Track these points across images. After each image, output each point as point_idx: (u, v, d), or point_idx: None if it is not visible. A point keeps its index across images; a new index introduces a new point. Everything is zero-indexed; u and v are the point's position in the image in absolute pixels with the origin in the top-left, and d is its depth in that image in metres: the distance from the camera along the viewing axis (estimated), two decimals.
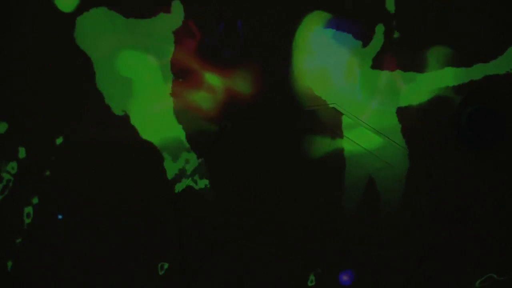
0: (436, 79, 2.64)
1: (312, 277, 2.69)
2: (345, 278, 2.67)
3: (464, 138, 2.47)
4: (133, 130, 2.58)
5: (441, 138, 2.69)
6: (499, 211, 2.61)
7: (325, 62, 2.74)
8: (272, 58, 2.66)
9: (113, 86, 2.57)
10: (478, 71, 2.59)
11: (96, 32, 2.56)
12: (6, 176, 2.59)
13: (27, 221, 2.62)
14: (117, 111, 2.56)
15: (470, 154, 2.58)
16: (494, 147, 2.52)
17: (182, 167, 2.64)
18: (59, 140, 2.60)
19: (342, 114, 2.63)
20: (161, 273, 2.65)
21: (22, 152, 2.57)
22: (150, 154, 2.64)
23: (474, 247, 2.60)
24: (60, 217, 2.59)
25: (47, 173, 2.60)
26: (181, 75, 2.64)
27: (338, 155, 2.70)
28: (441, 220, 2.67)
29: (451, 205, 2.65)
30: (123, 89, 2.58)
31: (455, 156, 2.62)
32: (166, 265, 2.65)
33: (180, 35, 2.64)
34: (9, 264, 2.60)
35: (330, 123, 2.67)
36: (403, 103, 2.65)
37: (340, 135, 2.65)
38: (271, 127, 2.68)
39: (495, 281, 2.57)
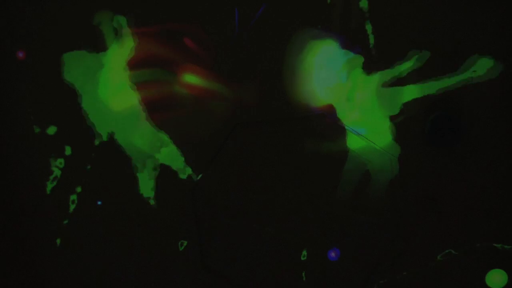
0: (408, 91, 2.69)
1: (304, 252, 2.82)
2: (332, 254, 2.83)
3: (430, 140, 2.64)
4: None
5: (414, 141, 2.74)
6: (459, 198, 2.72)
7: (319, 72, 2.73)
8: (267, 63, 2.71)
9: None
10: (439, 83, 2.66)
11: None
12: (55, 170, 2.76)
13: (72, 206, 2.79)
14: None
15: (437, 152, 2.70)
16: (455, 145, 2.66)
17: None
18: (97, 142, 2.76)
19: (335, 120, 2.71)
20: (181, 249, 2.85)
21: (68, 150, 2.75)
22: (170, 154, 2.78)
23: (436, 228, 2.74)
24: (99, 203, 2.79)
25: (88, 167, 2.77)
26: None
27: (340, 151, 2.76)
28: (412, 206, 2.76)
29: (420, 195, 2.75)
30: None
31: (425, 154, 2.72)
32: (185, 243, 2.84)
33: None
34: (58, 240, 2.80)
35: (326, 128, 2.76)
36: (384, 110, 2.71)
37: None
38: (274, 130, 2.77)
39: (452, 255, 2.74)
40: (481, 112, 2.65)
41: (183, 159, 2.76)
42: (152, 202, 2.79)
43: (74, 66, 2.69)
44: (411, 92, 2.67)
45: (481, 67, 2.62)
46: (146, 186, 2.77)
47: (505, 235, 2.72)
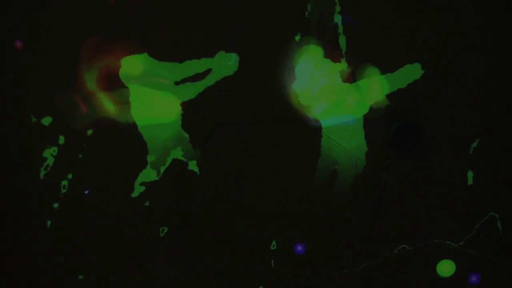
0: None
1: (274, 243, 2.92)
2: (299, 248, 2.93)
3: (393, 145, 2.76)
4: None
5: (379, 144, 2.84)
6: (416, 198, 2.85)
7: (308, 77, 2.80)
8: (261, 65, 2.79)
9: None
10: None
11: None
12: (49, 157, 2.81)
13: (63, 191, 2.85)
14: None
15: (398, 157, 2.83)
16: (415, 151, 2.76)
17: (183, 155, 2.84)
18: (89, 132, 2.83)
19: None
20: (162, 235, 2.92)
21: (61, 139, 2.81)
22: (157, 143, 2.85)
23: (393, 225, 2.87)
24: (86, 192, 2.87)
25: (80, 155, 2.84)
26: None
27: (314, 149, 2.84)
28: (372, 205, 2.88)
29: (381, 194, 2.87)
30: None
31: (387, 157, 2.83)
32: (166, 229, 2.91)
33: None
34: (48, 222, 2.87)
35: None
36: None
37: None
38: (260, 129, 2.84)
39: (406, 250, 2.89)
40: (438, 119, 2.80)
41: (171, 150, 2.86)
42: (136, 192, 2.89)
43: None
44: (378, 95, 2.80)
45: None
46: (133, 175, 2.89)
47: (454, 234, 2.90)
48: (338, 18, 2.76)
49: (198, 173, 2.87)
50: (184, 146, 2.86)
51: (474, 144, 2.83)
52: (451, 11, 2.75)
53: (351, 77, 2.79)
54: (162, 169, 2.88)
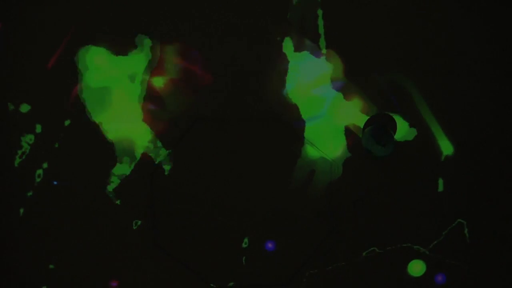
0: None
1: (246, 240, 2.96)
2: (270, 245, 2.97)
3: (367, 149, 2.68)
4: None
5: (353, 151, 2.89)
6: (386, 200, 2.90)
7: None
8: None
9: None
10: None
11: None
12: (25, 145, 2.83)
13: (37, 180, 2.87)
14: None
15: (370, 160, 2.88)
16: (387, 155, 2.68)
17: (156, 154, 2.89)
18: (67, 122, 2.86)
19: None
20: (135, 227, 2.94)
21: (38, 128, 2.83)
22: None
23: (364, 227, 2.92)
24: (55, 183, 2.88)
25: (56, 145, 2.85)
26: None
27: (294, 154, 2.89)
28: (345, 206, 2.92)
29: (353, 196, 2.91)
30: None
31: (362, 161, 2.89)
32: (139, 222, 2.93)
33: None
34: (21, 210, 2.88)
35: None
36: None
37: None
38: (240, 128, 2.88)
39: (376, 252, 2.93)
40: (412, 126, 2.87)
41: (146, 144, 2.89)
42: (111, 184, 2.92)
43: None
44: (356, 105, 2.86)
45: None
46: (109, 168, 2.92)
47: (422, 238, 2.95)
48: (320, 22, 2.81)
49: (166, 172, 2.90)
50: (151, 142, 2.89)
51: (447, 152, 2.89)
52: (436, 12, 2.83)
53: (332, 78, 2.85)
54: (133, 164, 2.92)
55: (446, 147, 2.89)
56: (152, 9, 2.83)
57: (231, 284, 3.00)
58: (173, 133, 2.88)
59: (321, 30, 2.81)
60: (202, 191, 2.93)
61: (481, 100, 2.87)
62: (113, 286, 3.00)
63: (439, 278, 2.95)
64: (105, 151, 2.89)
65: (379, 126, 2.63)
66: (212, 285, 3.00)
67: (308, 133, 2.89)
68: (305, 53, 2.82)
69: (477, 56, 2.83)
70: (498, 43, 2.83)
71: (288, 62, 2.83)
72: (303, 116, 2.88)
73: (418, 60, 2.86)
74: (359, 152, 2.90)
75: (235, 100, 2.88)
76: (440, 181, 2.91)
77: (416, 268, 2.96)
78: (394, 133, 2.78)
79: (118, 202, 2.92)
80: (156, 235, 2.95)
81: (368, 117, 2.85)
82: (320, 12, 2.81)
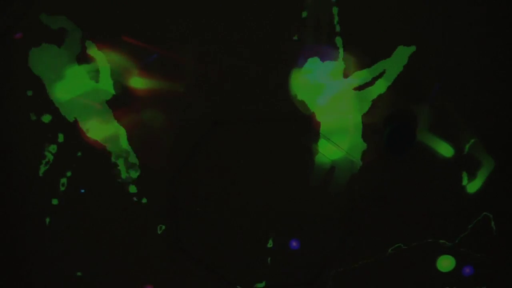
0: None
1: (271, 241, 3.00)
2: (294, 244, 3.01)
3: (388, 148, 2.78)
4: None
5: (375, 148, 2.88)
6: (408, 199, 2.92)
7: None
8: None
9: None
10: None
11: None
12: (48, 154, 2.87)
13: (62, 188, 2.92)
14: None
15: (393, 158, 2.88)
16: (407, 153, 2.80)
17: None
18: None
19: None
20: (159, 232, 2.99)
21: (61, 137, 2.86)
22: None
23: (387, 224, 2.94)
24: (82, 191, 2.93)
25: (79, 154, 2.89)
26: None
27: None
28: (366, 204, 2.94)
29: (374, 194, 2.94)
30: None
31: (382, 159, 2.89)
32: (163, 227, 2.98)
33: None
34: (47, 219, 2.94)
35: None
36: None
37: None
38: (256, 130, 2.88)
39: (402, 249, 2.96)
40: (433, 121, 2.85)
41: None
42: (134, 189, 2.95)
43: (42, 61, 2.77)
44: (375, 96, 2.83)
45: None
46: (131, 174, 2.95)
47: (447, 234, 2.96)
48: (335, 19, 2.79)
49: (188, 176, 2.91)
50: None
51: (469, 144, 2.88)
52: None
53: (349, 77, 2.83)
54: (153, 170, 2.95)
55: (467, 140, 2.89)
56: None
57: (257, 285, 3.03)
58: (191, 138, 2.90)
59: (337, 29, 2.80)
60: (225, 194, 2.95)
61: (504, 95, 2.85)
62: None
63: (467, 270, 2.96)
64: (125, 157, 2.93)
65: (399, 133, 2.67)
66: (238, 287, 3.02)
67: (325, 130, 2.88)
68: (321, 49, 2.81)
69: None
70: None
71: (302, 61, 2.83)
72: (319, 114, 2.87)
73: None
74: (377, 147, 2.89)
75: (250, 101, 2.88)
76: (464, 174, 2.90)
77: (445, 263, 2.98)
78: (415, 136, 2.77)
79: (144, 200, 2.96)
80: (182, 239, 2.98)
81: (388, 114, 2.85)
82: (335, 10, 2.79)
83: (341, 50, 2.80)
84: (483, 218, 2.92)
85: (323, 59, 2.82)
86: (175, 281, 3.04)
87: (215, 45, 2.79)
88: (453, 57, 2.79)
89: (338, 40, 2.81)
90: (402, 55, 2.78)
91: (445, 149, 2.90)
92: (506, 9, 2.72)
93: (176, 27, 2.79)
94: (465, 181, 2.89)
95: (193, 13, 2.78)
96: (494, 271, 2.99)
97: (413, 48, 2.76)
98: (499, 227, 2.94)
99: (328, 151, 2.90)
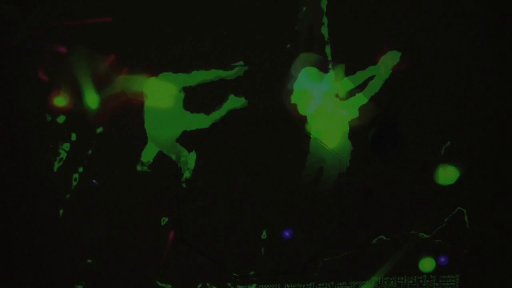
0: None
1: (264, 232, 3.03)
2: (287, 234, 3.03)
3: (373, 147, 2.85)
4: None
5: (361, 145, 2.91)
6: (391, 195, 2.97)
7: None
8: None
9: None
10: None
11: None
12: (62, 152, 2.95)
13: (74, 183, 2.99)
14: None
15: (377, 157, 2.92)
16: (392, 152, 2.87)
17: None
18: (99, 130, 2.93)
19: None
20: (162, 224, 3.03)
21: (74, 136, 2.93)
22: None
23: (372, 218, 3.01)
24: (94, 181, 3.00)
25: (90, 151, 2.96)
26: None
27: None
28: (353, 199, 2.98)
29: (361, 189, 2.98)
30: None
31: (368, 157, 2.93)
32: (166, 219, 3.02)
33: None
34: (61, 211, 3.02)
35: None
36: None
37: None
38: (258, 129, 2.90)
39: (384, 240, 3.03)
40: (413, 123, 2.93)
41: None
42: (140, 184, 3.02)
43: None
44: (361, 100, 2.88)
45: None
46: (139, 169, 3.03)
47: (426, 226, 3.07)
48: (325, 30, 2.87)
49: (189, 173, 2.96)
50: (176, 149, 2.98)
51: (446, 145, 2.99)
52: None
53: (338, 82, 2.86)
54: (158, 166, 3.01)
55: (445, 140, 2.96)
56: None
57: (251, 273, 3.12)
58: (194, 137, 2.97)
59: (327, 38, 2.86)
60: (223, 190, 3.00)
61: (477, 96, 2.92)
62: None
63: (442, 259, 3.08)
64: (133, 154, 3.00)
65: (382, 139, 2.76)
66: (234, 274, 3.11)
67: (315, 132, 2.91)
68: (312, 57, 2.83)
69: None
70: None
71: (296, 67, 2.86)
72: (310, 116, 2.90)
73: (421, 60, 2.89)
74: (362, 147, 2.92)
75: (249, 104, 2.92)
76: (440, 171, 2.98)
77: (427, 265, 3.10)
78: (398, 140, 2.85)
79: (148, 198, 2.98)
80: (182, 231, 3.06)
81: (374, 116, 2.90)
82: (325, 20, 2.85)
83: (329, 58, 2.85)
84: (458, 212, 3.05)
85: (313, 67, 2.87)
86: (177, 270, 3.12)
87: (214, 48, 2.84)
88: (437, 64, 2.83)
89: (327, 49, 2.87)
90: (389, 61, 2.83)
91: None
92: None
93: (173, 29, 2.84)
94: (441, 179, 2.99)
95: (189, 16, 2.83)
96: (466, 261, 3.11)
97: (398, 54, 2.80)
98: (471, 220, 3.07)
99: (318, 151, 2.95)
